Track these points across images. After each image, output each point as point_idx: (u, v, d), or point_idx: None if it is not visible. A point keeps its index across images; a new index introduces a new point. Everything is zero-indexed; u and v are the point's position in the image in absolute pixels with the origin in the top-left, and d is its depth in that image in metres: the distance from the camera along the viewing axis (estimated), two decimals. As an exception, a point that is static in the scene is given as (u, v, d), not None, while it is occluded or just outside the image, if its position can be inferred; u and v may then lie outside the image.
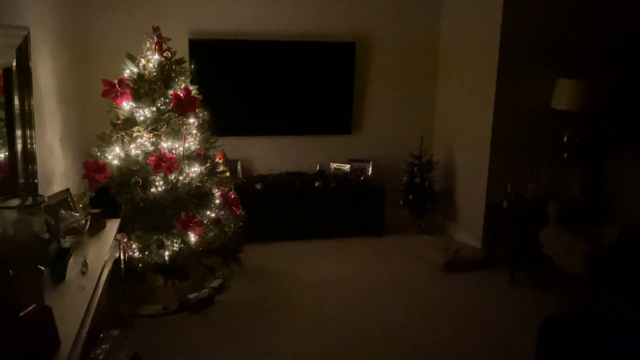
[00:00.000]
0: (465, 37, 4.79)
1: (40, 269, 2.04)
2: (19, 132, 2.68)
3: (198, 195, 3.68)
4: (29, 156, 2.79)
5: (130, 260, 3.48)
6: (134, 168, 3.54)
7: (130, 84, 3.56)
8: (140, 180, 3.50)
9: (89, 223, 2.72)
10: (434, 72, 5.31)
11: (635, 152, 3.90)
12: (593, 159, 4.22)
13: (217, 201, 3.81)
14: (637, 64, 4.45)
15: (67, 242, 2.53)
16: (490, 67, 4.34)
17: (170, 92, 3.62)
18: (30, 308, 1.60)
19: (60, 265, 2.17)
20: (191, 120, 3.68)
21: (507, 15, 4.19)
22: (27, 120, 2.77)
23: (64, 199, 2.96)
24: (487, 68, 4.38)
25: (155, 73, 3.62)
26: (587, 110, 4.11)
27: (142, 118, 3.58)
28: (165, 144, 3.59)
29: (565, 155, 4.29)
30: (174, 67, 3.69)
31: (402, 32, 5.15)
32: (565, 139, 4.29)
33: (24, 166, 2.73)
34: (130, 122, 3.59)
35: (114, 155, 3.57)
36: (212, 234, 3.70)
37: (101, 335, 2.88)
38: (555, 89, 4.24)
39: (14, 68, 2.62)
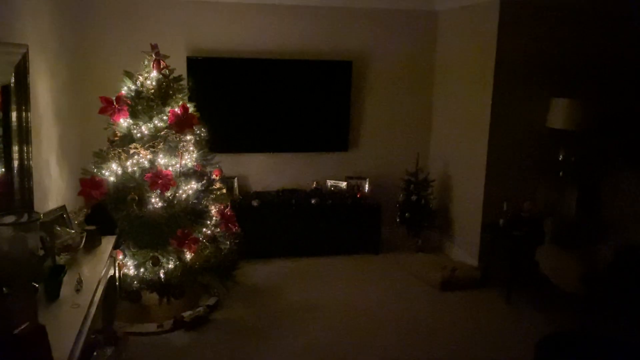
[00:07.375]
0: (461, 56, 4.83)
1: (35, 286, 2.03)
2: (15, 148, 2.69)
3: (194, 212, 3.68)
4: (26, 172, 2.79)
5: (125, 277, 3.46)
6: (131, 185, 3.54)
7: (128, 101, 3.58)
8: (137, 197, 3.49)
9: (84, 240, 2.72)
10: (430, 90, 5.35)
11: (630, 171, 3.92)
12: (589, 178, 4.24)
13: (213, 218, 3.81)
14: (632, 83, 4.49)
15: (62, 259, 2.52)
16: (486, 86, 4.37)
17: (168, 109, 3.63)
18: (23, 326, 1.59)
19: (55, 283, 2.16)
20: (188, 137, 3.70)
21: (502, 36, 4.23)
22: (24, 136, 2.78)
23: (59, 216, 2.94)
24: (483, 87, 4.42)
25: (153, 90, 3.64)
26: (583, 129, 4.14)
27: (139, 135, 3.59)
28: (162, 161, 3.59)
29: (560, 174, 4.31)
30: (171, 84, 3.72)
31: (399, 51, 5.20)
32: (560, 157, 4.31)
33: (20, 182, 2.73)
34: (127, 138, 3.60)
35: (110, 172, 3.57)
36: (207, 251, 3.68)
37: (95, 353, 2.86)
38: (550, 108, 4.27)
39: (12, 85, 2.64)
